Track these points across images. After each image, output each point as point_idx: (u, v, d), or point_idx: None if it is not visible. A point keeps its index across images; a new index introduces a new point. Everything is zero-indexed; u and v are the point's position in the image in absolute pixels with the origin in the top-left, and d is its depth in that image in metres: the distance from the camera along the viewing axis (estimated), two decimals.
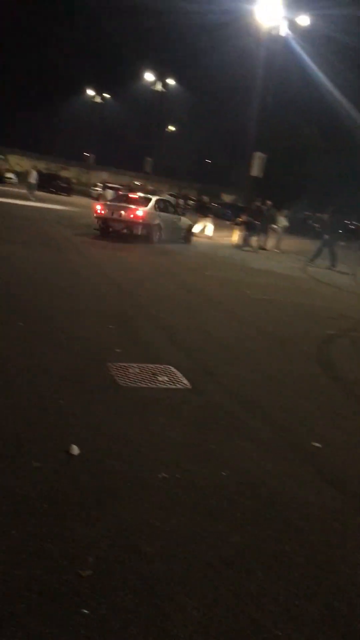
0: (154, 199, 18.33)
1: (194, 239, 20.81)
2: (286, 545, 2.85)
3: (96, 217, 17.42)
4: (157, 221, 17.36)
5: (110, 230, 16.95)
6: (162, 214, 18.13)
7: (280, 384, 5.45)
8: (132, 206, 17.02)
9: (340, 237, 19.71)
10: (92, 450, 3.50)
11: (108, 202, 19.23)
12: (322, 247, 18.88)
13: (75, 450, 3.44)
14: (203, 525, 2.92)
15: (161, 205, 18.44)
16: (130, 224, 16.56)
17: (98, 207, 17.74)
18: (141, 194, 19.99)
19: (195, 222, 21.81)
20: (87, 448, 3.50)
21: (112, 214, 16.87)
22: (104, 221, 17.08)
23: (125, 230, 16.69)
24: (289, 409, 4.81)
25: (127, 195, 19.74)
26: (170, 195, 63.61)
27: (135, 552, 2.61)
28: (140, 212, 16.65)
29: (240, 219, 22.56)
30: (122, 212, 16.68)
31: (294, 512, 3.18)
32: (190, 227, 20.49)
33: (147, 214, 16.84)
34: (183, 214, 21.81)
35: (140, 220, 16.57)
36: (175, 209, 20.28)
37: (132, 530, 2.77)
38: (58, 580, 2.35)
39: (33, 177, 31.97)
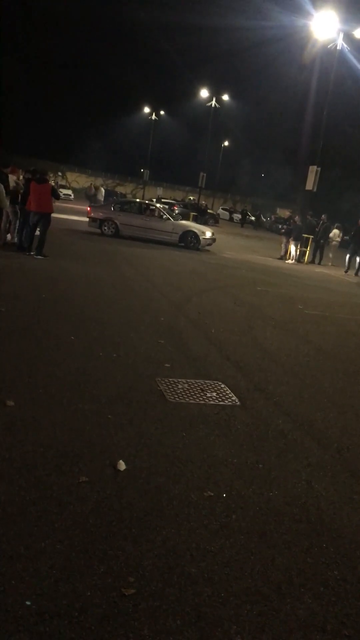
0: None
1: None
2: (336, 572, 2.75)
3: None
4: None
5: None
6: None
7: (334, 403, 5.30)
8: None
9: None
10: (138, 466, 3.49)
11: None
12: (351, 256, 20.15)
13: (122, 465, 3.44)
14: (250, 547, 2.85)
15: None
16: None
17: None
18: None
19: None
20: (133, 464, 3.50)
21: None
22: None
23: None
24: (343, 429, 4.67)
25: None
26: (224, 209, 63.84)
27: (180, 573, 2.57)
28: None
29: (282, 231, 22.33)
30: None
31: (346, 538, 3.07)
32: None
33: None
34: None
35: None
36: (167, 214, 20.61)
37: (177, 550, 2.73)
38: (101, 598, 2.34)
39: (101, 195, 33.26)
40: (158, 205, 21.49)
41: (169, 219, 19.86)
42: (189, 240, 19.46)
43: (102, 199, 33.80)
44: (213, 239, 20.47)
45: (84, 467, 3.38)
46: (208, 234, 20.11)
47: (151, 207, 20.62)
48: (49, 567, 2.48)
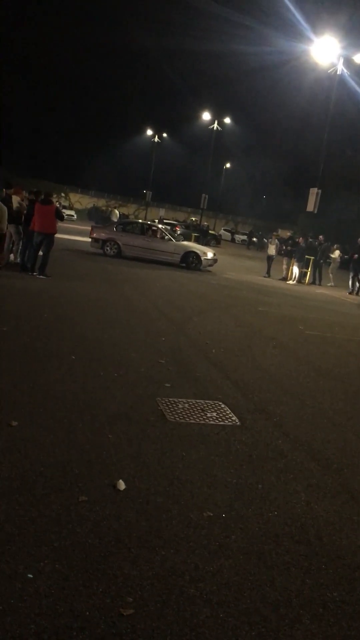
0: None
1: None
2: (335, 593, 2.74)
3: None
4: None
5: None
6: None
7: (334, 423, 5.31)
8: None
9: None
10: (138, 486, 3.49)
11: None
12: (354, 275, 20.38)
13: (122, 485, 3.45)
14: (249, 568, 2.84)
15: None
16: None
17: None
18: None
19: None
20: (133, 484, 3.51)
21: None
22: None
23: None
24: (342, 449, 4.67)
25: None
26: (226, 230, 64.21)
27: (179, 594, 2.57)
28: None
29: (282, 252, 22.53)
30: None
31: (345, 559, 3.06)
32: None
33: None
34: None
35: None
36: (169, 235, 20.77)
37: (176, 571, 2.73)
38: (99, 618, 2.34)
39: (115, 216, 34.80)
40: (160, 225, 21.74)
41: (170, 239, 20.00)
42: (191, 261, 19.61)
43: (116, 221, 34.59)
44: (215, 260, 20.58)
45: (83, 486, 3.39)
46: (209, 255, 20.24)
47: (153, 227, 20.89)
48: (47, 587, 2.48)
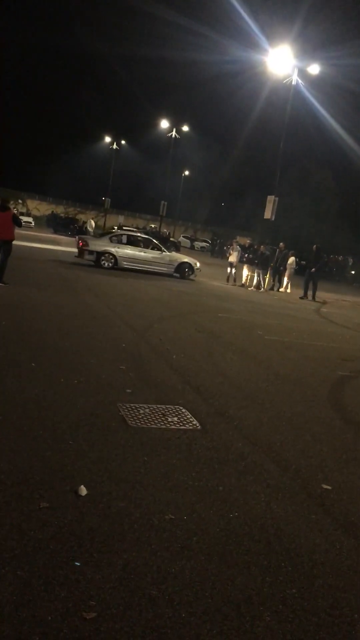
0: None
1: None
2: (294, 589, 2.82)
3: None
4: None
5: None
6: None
7: (292, 426, 5.42)
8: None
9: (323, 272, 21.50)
10: (100, 491, 3.50)
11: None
12: (307, 280, 20.99)
13: (83, 491, 3.45)
14: (210, 569, 2.89)
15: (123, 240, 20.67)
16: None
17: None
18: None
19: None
20: (95, 489, 3.51)
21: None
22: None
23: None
24: (300, 450, 4.78)
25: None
26: (185, 237, 64.57)
27: (141, 596, 2.59)
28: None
29: (244, 259, 22.96)
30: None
31: (302, 556, 3.14)
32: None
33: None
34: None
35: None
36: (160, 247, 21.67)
37: (138, 573, 2.75)
38: (62, 623, 2.34)
39: (90, 226, 36.01)
40: (154, 240, 22.47)
41: (164, 251, 21.23)
42: (185, 271, 21.21)
43: (92, 231, 37.38)
44: (199, 269, 21.88)
45: (44, 493, 3.37)
46: (198, 265, 21.70)
47: (147, 239, 21.89)
48: (9, 594, 2.47)
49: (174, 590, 2.67)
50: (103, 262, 19.38)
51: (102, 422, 4.67)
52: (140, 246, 20.61)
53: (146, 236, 23.17)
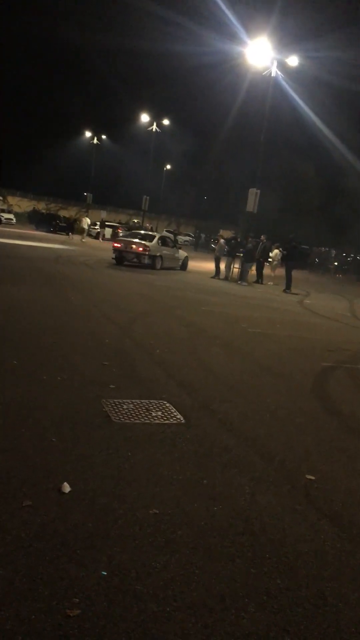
0: (157, 235, 23.44)
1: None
2: (278, 580, 2.82)
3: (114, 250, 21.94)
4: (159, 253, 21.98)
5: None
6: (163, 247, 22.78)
7: (276, 417, 5.44)
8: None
9: (299, 264, 21.81)
10: (83, 487, 3.48)
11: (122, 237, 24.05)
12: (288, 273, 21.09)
13: (66, 488, 3.43)
14: (195, 562, 2.89)
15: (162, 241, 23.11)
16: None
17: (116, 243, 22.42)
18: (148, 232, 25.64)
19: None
20: (78, 486, 3.49)
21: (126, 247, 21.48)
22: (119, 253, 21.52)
23: (135, 260, 21.18)
24: (284, 442, 4.80)
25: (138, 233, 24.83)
26: (168, 231, 64.53)
27: (126, 591, 2.58)
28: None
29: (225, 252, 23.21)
30: (133, 246, 21.32)
31: (287, 547, 3.15)
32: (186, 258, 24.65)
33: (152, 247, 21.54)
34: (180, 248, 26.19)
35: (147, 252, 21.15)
36: (175, 243, 25.08)
37: (122, 569, 2.74)
38: (45, 621, 2.33)
39: (86, 223, 40.13)
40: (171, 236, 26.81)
41: (179, 249, 24.56)
42: (186, 265, 24.25)
43: (87, 228, 40.42)
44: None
45: (27, 491, 3.35)
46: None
47: (171, 238, 25.83)
48: None
49: (159, 585, 2.66)
50: (157, 265, 21.59)
51: (86, 419, 4.65)
52: (169, 245, 23.45)
53: (168, 235, 26.89)
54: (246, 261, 21.97)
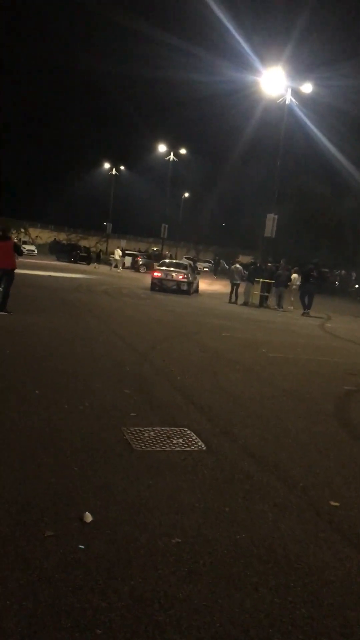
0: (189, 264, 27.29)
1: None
2: (303, 610, 2.77)
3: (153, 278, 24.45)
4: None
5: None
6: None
7: (298, 443, 5.38)
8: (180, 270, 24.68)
9: (315, 287, 21.65)
10: (105, 517, 3.48)
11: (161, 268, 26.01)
12: (302, 295, 21.26)
13: (88, 517, 3.43)
14: (218, 592, 2.85)
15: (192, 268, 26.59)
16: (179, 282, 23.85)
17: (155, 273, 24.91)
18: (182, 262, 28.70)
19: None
20: (100, 515, 3.49)
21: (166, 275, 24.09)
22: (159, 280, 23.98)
23: (174, 287, 23.63)
24: (307, 467, 4.74)
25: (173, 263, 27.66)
26: (187, 258, 65.00)
27: (148, 622, 2.56)
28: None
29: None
30: (173, 274, 23.99)
31: (312, 576, 3.10)
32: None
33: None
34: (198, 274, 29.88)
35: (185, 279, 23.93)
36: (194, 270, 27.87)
37: (144, 599, 2.72)
38: None
39: (118, 254, 42.57)
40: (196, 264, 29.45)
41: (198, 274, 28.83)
42: (197, 288, 26.78)
43: (119, 259, 42.42)
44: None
45: (49, 521, 3.35)
46: None
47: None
48: (14, 624, 2.44)
49: (182, 616, 2.63)
50: (192, 290, 24.45)
51: (107, 447, 4.66)
52: (193, 272, 26.65)
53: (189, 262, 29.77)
54: (278, 286, 22.07)
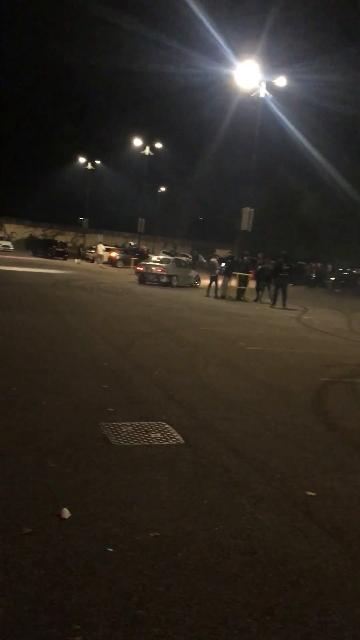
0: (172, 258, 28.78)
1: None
2: (280, 599, 2.81)
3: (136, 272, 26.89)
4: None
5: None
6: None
7: (276, 434, 5.43)
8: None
9: (289, 280, 22.20)
10: (83, 512, 3.48)
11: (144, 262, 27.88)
12: (276, 289, 21.38)
13: (66, 513, 3.43)
14: (197, 584, 2.87)
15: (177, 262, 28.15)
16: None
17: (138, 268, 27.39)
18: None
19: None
20: (78, 511, 3.48)
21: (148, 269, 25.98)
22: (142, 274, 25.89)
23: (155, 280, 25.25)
24: (284, 459, 4.79)
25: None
26: (165, 252, 64.89)
27: (127, 616, 2.57)
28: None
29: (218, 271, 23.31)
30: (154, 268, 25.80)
31: (289, 566, 3.14)
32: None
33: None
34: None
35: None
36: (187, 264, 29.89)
37: (123, 594, 2.73)
38: None
39: (101, 249, 44.50)
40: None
41: (192, 269, 30.57)
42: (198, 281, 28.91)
43: (103, 254, 44.11)
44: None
45: (27, 518, 3.34)
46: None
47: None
48: None
49: (160, 609, 2.65)
50: (174, 283, 25.60)
51: (85, 443, 4.65)
52: (182, 266, 28.11)
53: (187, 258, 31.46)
54: (261, 280, 22.19)
